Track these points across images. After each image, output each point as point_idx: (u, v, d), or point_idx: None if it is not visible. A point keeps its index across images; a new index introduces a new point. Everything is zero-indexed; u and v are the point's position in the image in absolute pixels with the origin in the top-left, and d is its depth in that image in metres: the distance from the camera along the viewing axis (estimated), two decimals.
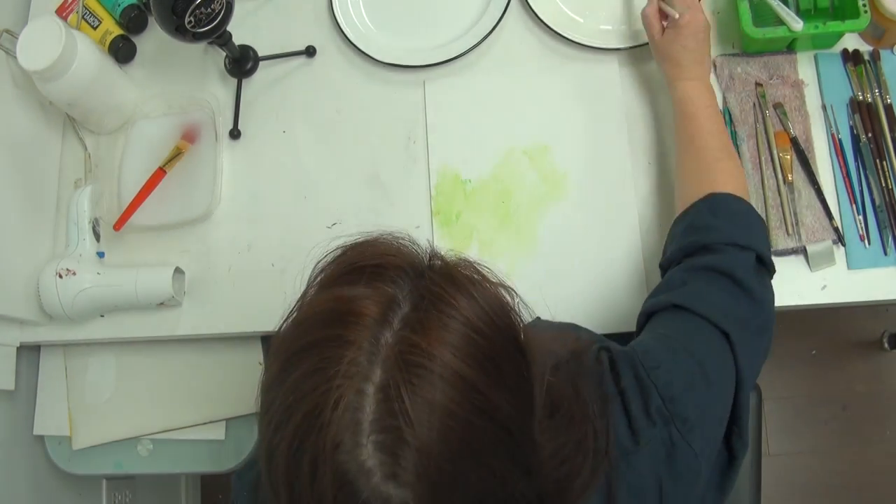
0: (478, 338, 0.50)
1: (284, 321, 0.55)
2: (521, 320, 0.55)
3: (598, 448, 0.58)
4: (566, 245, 0.96)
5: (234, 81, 1.08)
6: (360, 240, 0.56)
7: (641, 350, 0.67)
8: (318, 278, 0.55)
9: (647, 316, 0.75)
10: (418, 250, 0.56)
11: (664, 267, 0.80)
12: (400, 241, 0.56)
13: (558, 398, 0.57)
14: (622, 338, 0.86)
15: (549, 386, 0.56)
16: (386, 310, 0.49)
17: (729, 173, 0.82)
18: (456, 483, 0.47)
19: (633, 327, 0.91)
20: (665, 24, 0.91)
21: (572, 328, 0.79)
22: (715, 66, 1.00)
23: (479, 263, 0.56)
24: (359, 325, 0.48)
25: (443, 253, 0.56)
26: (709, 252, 0.74)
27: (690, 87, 0.88)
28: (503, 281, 0.56)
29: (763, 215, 0.92)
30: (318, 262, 0.56)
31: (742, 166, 0.86)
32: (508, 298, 0.55)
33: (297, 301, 0.55)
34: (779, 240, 0.92)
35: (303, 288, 0.56)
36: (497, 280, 0.55)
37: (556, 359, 0.61)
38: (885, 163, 0.93)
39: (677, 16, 0.88)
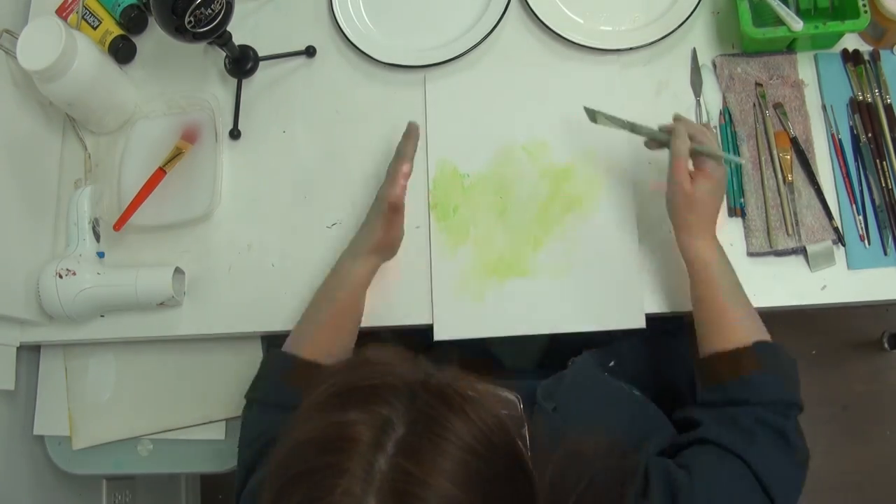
0: (474, 461, 0.49)
1: (281, 435, 0.53)
2: (523, 435, 0.55)
3: None
4: (564, 242, 0.96)
5: (234, 81, 1.08)
6: (353, 357, 0.56)
7: (684, 481, 0.66)
8: (311, 398, 0.54)
9: (698, 427, 0.73)
10: (412, 368, 0.54)
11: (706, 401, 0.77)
12: (395, 357, 0.55)
13: (581, 498, 0.57)
14: (622, 334, 0.86)
15: (580, 498, 0.56)
16: (380, 434, 0.48)
17: (755, 325, 0.80)
18: None
19: (627, 326, 0.92)
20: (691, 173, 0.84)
21: (597, 431, 0.74)
22: (715, 66, 1.00)
23: (475, 379, 0.55)
24: (352, 451, 0.48)
25: (436, 370, 0.54)
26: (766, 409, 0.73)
27: (704, 247, 0.83)
28: (501, 394, 0.55)
29: (763, 215, 0.93)
30: (311, 387, 0.55)
31: (755, 312, 0.83)
32: (508, 413, 0.54)
33: (288, 424, 0.54)
34: (779, 240, 0.92)
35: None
36: (501, 395, 0.55)
37: (592, 468, 0.60)
38: (885, 163, 0.93)
39: (722, 157, 0.82)
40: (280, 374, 0.85)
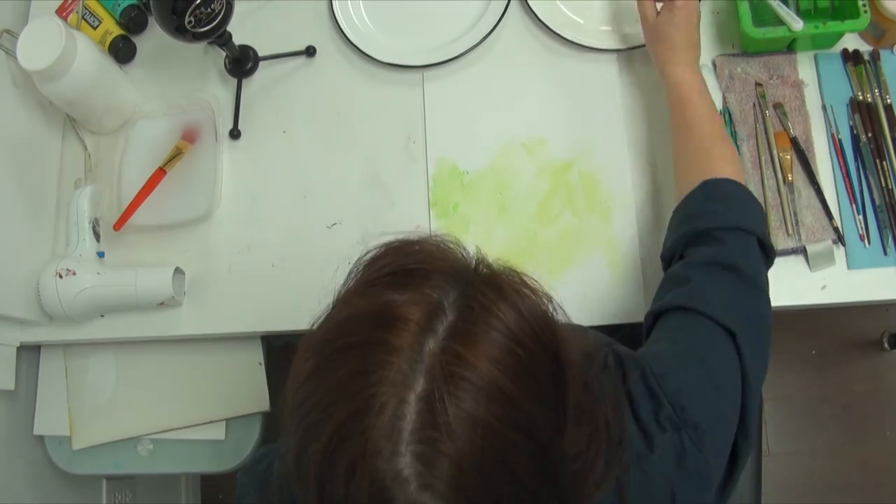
0: (521, 352, 0.49)
1: (321, 317, 0.54)
2: (565, 335, 0.54)
3: (610, 441, 0.58)
4: (563, 239, 0.96)
5: (234, 81, 1.08)
6: (405, 239, 0.56)
7: (650, 356, 0.67)
8: (361, 277, 0.55)
9: (654, 316, 0.74)
10: (465, 255, 0.55)
11: (665, 259, 0.80)
12: (447, 244, 0.56)
13: (573, 397, 0.58)
14: (618, 330, 0.86)
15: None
16: (431, 316, 0.49)
17: (724, 158, 0.82)
18: (488, 494, 0.47)
19: (628, 320, 0.92)
20: (659, 7, 0.91)
21: (581, 330, 0.78)
22: (715, 66, 1.00)
23: (524, 273, 0.55)
24: (404, 330, 0.48)
25: (489, 260, 0.55)
26: (709, 240, 0.74)
27: (682, 72, 0.88)
28: (546, 291, 0.55)
29: None
30: (361, 257, 0.56)
31: (736, 150, 0.86)
32: (552, 309, 0.55)
33: (336, 297, 0.55)
34: (779, 240, 0.92)
35: (340, 284, 0.56)
36: (542, 290, 0.55)
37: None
38: (885, 163, 0.93)
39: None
40: None
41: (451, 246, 0.56)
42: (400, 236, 0.56)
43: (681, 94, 0.87)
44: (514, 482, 0.48)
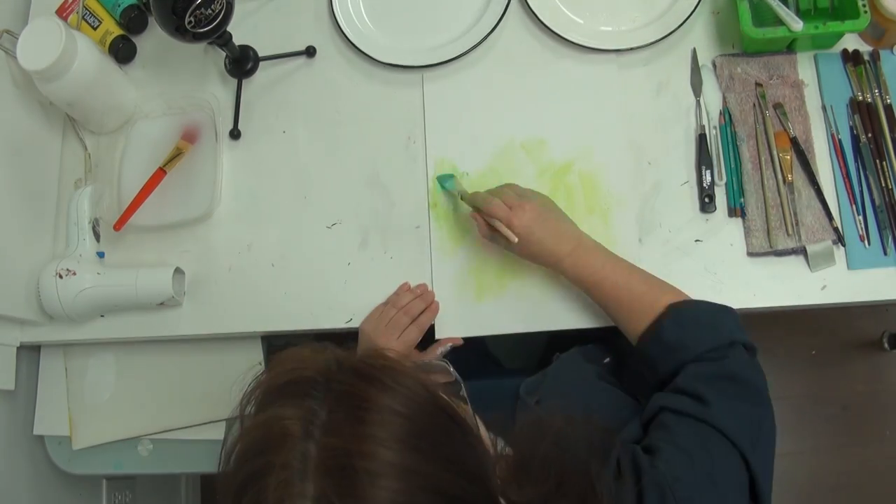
0: (401, 421, 0.50)
1: (222, 460, 0.54)
2: (462, 397, 0.56)
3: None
4: None
5: (234, 81, 1.08)
6: (271, 361, 0.56)
7: (671, 478, 0.66)
8: (245, 410, 0.56)
9: (665, 410, 0.73)
10: (326, 355, 0.55)
11: (654, 389, 0.78)
12: (306, 350, 0.56)
13: (562, 477, 0.58)
14: (618, 334, 0.86)
15: (547, 460, 0.57)
16: (306, 423, 0.49)
17: (663, 291, 0.81)
18: None
19: None
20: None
21: (597, 419, 0.74)
22: (715, 66, 1.00)
23: (388, 350, 0.56)
24: (284, 446, 0.49)
25: (348, 351, 0.56)
26: (704, 361, 0.74)
27: (575, 263, 0.85)
28: (425, 362, 0.57)
29: (763, 215, 0.93)
30: (242, 395, 0.57)
31: (661, 280, 0.85)
32: (426, 376, 0.55)
33: (227, 437, 0.55)
34: (779, 240, 0.92)
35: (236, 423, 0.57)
36: (414, 363, 0.56)
37: (574, 450, 0.61)
38: (884, 163, 0.93)
39: (515, 240, 0.84)
40: None
41: (311, 351, 0.56)
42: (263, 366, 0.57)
43: (590, 281, 0.84)
44: None
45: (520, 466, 0.58)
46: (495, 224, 0.85)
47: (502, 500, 0.55)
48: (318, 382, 0.52)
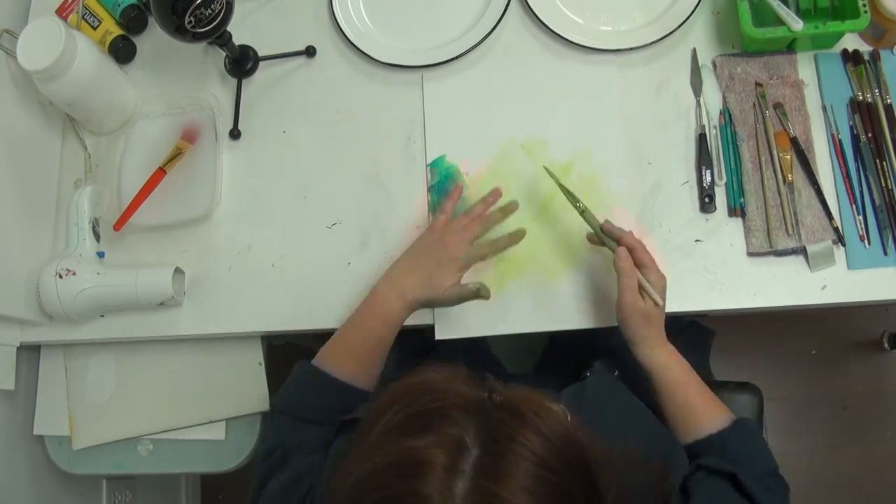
0: (552, 476, 0.49)
1: (343, 468, 0.53)
2: (591, 445, 0.54)
3: None
4: (563, 241, 0.96)
5: (234, 81, 1.08)
6: (410, 379, 0.54)
7: None
8: (376, 426, 0.53)
9: (724, 473, 0.74)
10: (474, 382, 0.54)
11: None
12: (455, 375, 0.54)
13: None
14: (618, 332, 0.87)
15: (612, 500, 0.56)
16: (455, 456, 0.48)
17: (720, 406, 0.83)
18: None
19: None
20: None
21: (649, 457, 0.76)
22: (715, 66, 1.00)
23: (539, 393, 0.54)
24: (430, 475, 0.47)
25: (500, 384, 0.54)
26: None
27: (664, 354, 0.84)
28: (562, 406, 0.55)
29: (763, 215, 0.93)
30: (374, 404, 0.55)
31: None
32: (572, 424, 0.54)
33: (356, 445, 0.53)
34: (779, 240, 0.92)
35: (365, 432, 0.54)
36: (561, 408, 0.54)
37: (622, 476, 0.61)
38: (885, 163, 0.93)
39: (660, 303, 0.83)
40: (312, 389, 0.85)
41: (460, 377, 0.54)
42: (403, 378, 0.54)
43: (672, 377, 0.83)
44: None
45: None
46: (644, 280, 0.83)
47: None
48: (469, 414, 0.50)
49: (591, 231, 0.89)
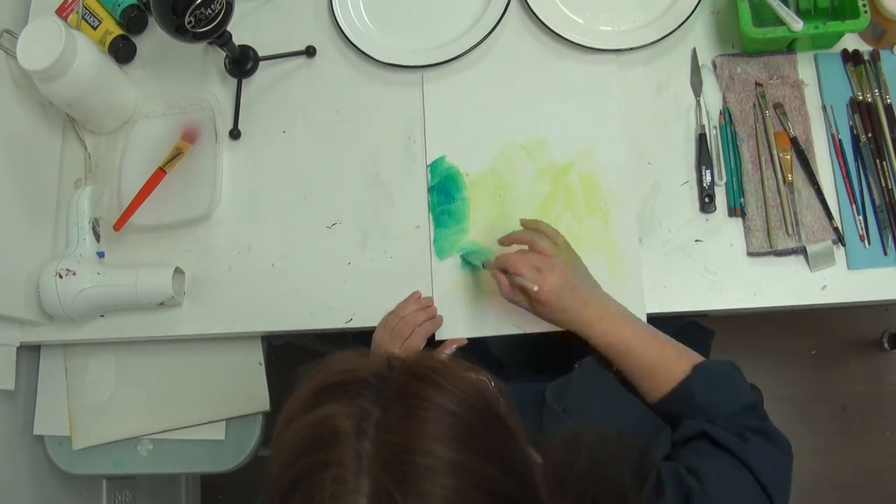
0: (455, 420, 0.50)
1: (272, 462, 0.54)
2: (501, 399, 0.55)
3: None
4: None
5: (234, 81, 1.08)
6: (317, 364, 0.56)
7: (711, 484, 0.68)
8: (289, 409, 0.55)
9: (708, 438, 0.74)
10: (376, 358, 0.56)
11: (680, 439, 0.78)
12: (355, 354, 0.56)
13: (584, 480, 0.58)
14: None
15: (584, 478, 0.58)
16: (359, 421, 0.49)
17: (683, 354, 0.81)
18: None
19: None
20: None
21: (630, 437, 0.75)
22: (715, 66, 1.00)
23: (440, 354, 0.57)
24: (337, 443, 0.49)
25: (401, 356, 0.56)
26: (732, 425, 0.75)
27: (604, 330, 0.82)
28: (465, 364, 0.56)
29: (763, 215, 0.93)
30: (290, 396, 0.56)
31: (679, 343, 0.84)
32: (480, 380, 0.55)
33: (273, 439, 0.55)
34: (779, 240, 0.92)
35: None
36: (463, 365, 0.56)
37: (610, 471, 0.61)
38: (885, 163, 0.93)
39: (535, 288, 0.81)
40: None
41: (360, 354, 0.56)
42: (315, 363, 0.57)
43: (618, 350, 0.82)
44: None
45: (555, 479, 0.58)
46: (520, 281, 0.82)
47: None
48: (369, 383, 0.52)
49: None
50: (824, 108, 0.97)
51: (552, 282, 0.81)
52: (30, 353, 1.08)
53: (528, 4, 1.03)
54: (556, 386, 0.81)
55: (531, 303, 0.83)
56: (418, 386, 0.52)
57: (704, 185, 0.95)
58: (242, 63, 1.07)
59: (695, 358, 0.81)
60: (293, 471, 0.51)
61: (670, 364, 0.80)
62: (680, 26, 0.99)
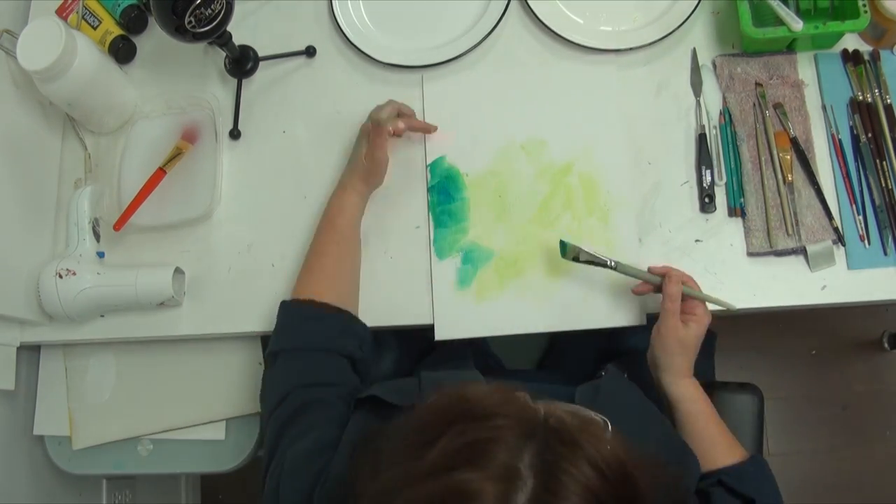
0: (596, 498, 0.47)
1: (373, 471, 0.51)
2: (641, 475, 0.52)
3: None
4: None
5: (234, 81, 1.08)
6: (461, 393, 0.51)
7: None
8: (419, 449, 0.50)
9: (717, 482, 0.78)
10: (528, 403, 0.51)
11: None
12: (510, 394, 0.52)
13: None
14: (620, 332, 0.87)
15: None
16: (508, 486, 0.46)
17: (737, 443, 0.84)
18: None
19: (627, 323, 0.92)
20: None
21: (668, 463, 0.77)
22: (715, 66, 1.00)
23: (594, 417, 0.53)
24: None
25: (555, 408, 0.52)
26: None
27: (687, 385, 0.85)
28: (607, 421, 0.54)
29: (763, 215, 0.93)
30: (408, 417, 0.52)
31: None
32: (623, 448, 0.52)
33: (389, 449, 0.52)
34: (779, 240, 0.92)
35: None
36: (608, 427, 0.53)
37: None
38: (885, 163, 0.93)
39: (736, 307, 0.87)
40: (304, 321, 0.87)
41: (515, 394, 0.52)
42: (450, 390, 0.51)
43: (696, 409, 0.85)
44: None
45: None
46: (699, 295, 0.86)
47: None
48: (524, 439, 0.48)
49: (634, 281, 0.89)
50: (824, 108, 0.97)
51: (703, 326, 0.84)
52: (30, 353, 1.08)
53: (528, 4, 1.03)
54: (585, 391, 0.81)
55: (680, 327, 0.84)
56: (578, 463, 0.48)
57: (704, 185, 0.95)
58: (242, 63, 1.07)
59: (746, 452, 0.83)
60: None
61: (731, 446, 0.83)
62: (680, 26, 0.99)
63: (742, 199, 0.94)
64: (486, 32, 1.02)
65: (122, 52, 1.10)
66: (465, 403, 0.51)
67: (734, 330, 1.65)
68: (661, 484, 0.60)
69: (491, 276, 0.96)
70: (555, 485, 0.46)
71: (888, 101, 0.95)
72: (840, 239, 0.91)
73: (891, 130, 0.94)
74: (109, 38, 1.09)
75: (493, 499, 0.45)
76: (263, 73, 1.09)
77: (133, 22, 1.11)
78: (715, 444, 0.83)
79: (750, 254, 0.93)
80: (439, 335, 0.96)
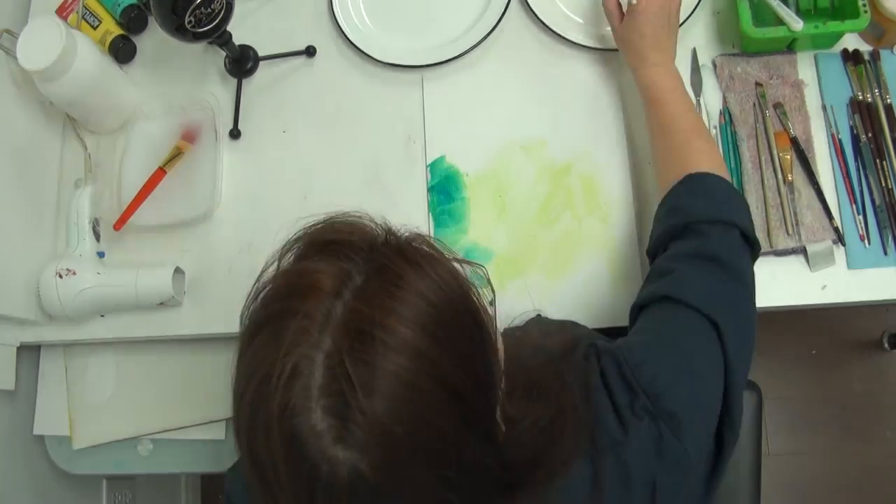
0: (428, 308, 0.51)
1: (249, 299, 0.58)
2: (479, 296, 0.58)
3: (578, 424, 0.61)
4: (563, 243, 0.96)
5: (234, 81, 1.08)
6: (320, 220, 0.59)
7: (626, 347, 0.68)
8: (282, 257, 0.59)
9: (638, 308, 0.75)
10: (375, 228, 0.57)
11: (651, 253, 0.80)
12: (358, 219, 0.58)
13: (540, 381, 0.61)
14: (620, 333, 0.87)
15: (530, 370, 0.60)
16: (339, 283, 0.51)
17: (702, 152, 0.82)
18: (407, 446, 0.48)
19: (627, 323, 0.92)
20: (624, 12, 0.91)
21: (570, 325, 0.80)
22: (715, 66, 1.00)
23: (434, 239, 0.58)
24: (312, 297, 0.50)
25: (399, 230, 0.58)
26: (693, 234, 0.74)
27: (652, 74, 0.88)
28: (458, 255, 0.59)
29: (763, 215, 0.93)
30: (284, 243, 0.59)
31: (715, 144, 0.86)
32: (464, 273, 0.57)
33: (258, 278, 0.58)
34: (779, 240, 0.92)
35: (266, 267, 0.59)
36: (451, 255, 0.58)
37: (549, 353, 0.64)
38: (885, 163, 0.93)
39: (634, 1, 0.88)
40: None
41: (363, 220, 0.58)
42: (316, 218, 0.59)
43: (652, 96, 0.88)
44: (437, 436, 0.50)
45: (509, 384, 0.60)
46: None
47: (498, 412, 0.56)
48: (361, 250, 0.54)
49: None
50: (824, 108, 0.97)
51: (652, 2, 0.87)
52: (30, 353, 1.08)
53: (528, 4, 1.03)
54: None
55: (622, 17, 0.89)
56: (402, 265, 0.53)
57: None
58: (242, 63, 1.07)
59: (713, 168, 0.80)
60: (267, 310, 0.54)
61: (682, 159, 0.81)
62: (680, 26, 0.99)
63: None
64: (486, 32, 1.02)
65: (122, 51, 1.10)
66: (317, 223, 0.60)
67: None
68: (554, 342, 0.66)
69: (491, 276, 0.96)
70: (380, 282, 0.52)
71: (888, 100, 0.95)
72: (840, 239, 0.91)
73: (891, 130, 0.94)
74: (109, 38, 1.09)
75: (325, 291, 0.50)
76: (263, 72, 1.09)
77: (133, 22, 1.11)
78: (661, 156, 0.84)
79: None
80: None
